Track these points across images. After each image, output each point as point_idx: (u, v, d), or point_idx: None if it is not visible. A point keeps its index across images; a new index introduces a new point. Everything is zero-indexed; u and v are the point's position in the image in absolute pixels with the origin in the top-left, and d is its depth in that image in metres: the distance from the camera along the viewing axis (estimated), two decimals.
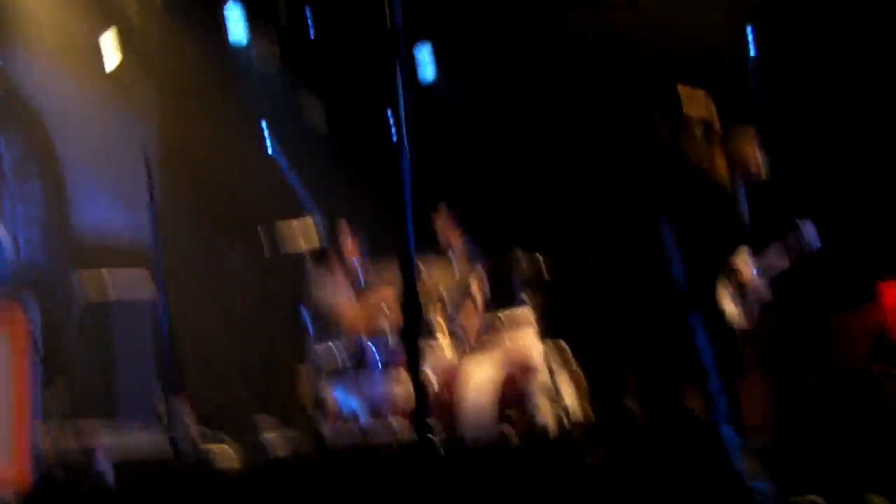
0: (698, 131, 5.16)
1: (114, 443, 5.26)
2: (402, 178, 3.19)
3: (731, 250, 5.78)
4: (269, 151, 9.20)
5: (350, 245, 6.36)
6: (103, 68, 7.68)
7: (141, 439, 5.35)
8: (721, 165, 5.24)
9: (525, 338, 5.99)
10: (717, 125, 5.23)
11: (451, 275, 6.20)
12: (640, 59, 7.78)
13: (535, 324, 6.04)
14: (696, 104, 5.16)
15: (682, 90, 5.18)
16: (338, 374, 5.79)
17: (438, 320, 6.10)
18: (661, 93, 5.26)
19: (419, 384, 3.19)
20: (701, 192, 5.18)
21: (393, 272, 5.80)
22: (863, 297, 8.43)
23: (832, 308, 7.63)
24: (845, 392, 6.63)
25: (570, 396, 5.86)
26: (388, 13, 3.39)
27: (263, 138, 9.08)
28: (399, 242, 3.12)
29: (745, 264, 6.11)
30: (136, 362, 5.57)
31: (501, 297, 6.54)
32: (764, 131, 6.37)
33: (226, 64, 8.53)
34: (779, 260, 6.23)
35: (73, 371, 5.64)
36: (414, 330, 3.17)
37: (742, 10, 7.98)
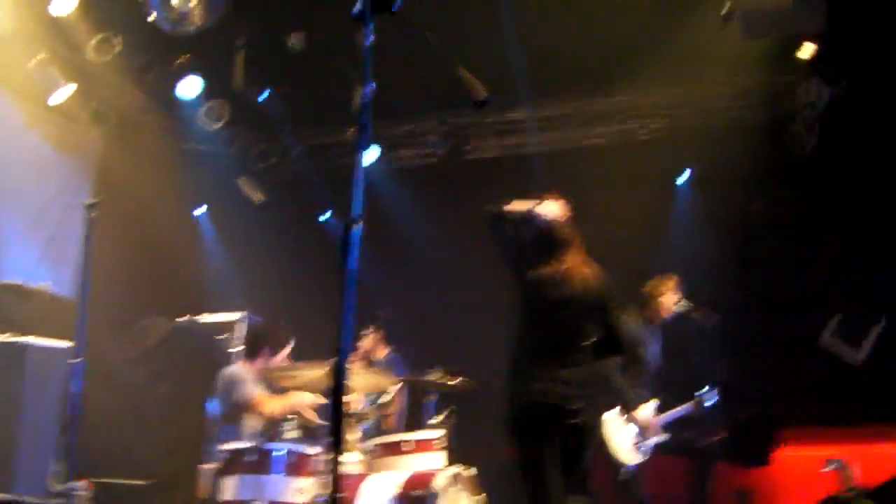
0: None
1: None
2: (349, 268, 2.92)
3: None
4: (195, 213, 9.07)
5: (278, 344, 6.30)
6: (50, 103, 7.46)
7: None
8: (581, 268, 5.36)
9: (432, 461, 5.95)
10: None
11: (370, 385, 6.18)
12: None
13: (444, 448, 6.02)
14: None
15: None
16: (240, 474, 5.64)
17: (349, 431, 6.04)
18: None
19: (335, 491, 3.16)
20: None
21: (313, 377, 5.77)
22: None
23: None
24: None
25: None
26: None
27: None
28: (336, 344, 3.02)
29: (645, 411, 6.37)
30: (40, 437, 5.36)
31: (415, 417, 6.52)
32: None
33: (176, 119, 8.44)
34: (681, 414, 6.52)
35: None
36: (339, 436, 3.16)
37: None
